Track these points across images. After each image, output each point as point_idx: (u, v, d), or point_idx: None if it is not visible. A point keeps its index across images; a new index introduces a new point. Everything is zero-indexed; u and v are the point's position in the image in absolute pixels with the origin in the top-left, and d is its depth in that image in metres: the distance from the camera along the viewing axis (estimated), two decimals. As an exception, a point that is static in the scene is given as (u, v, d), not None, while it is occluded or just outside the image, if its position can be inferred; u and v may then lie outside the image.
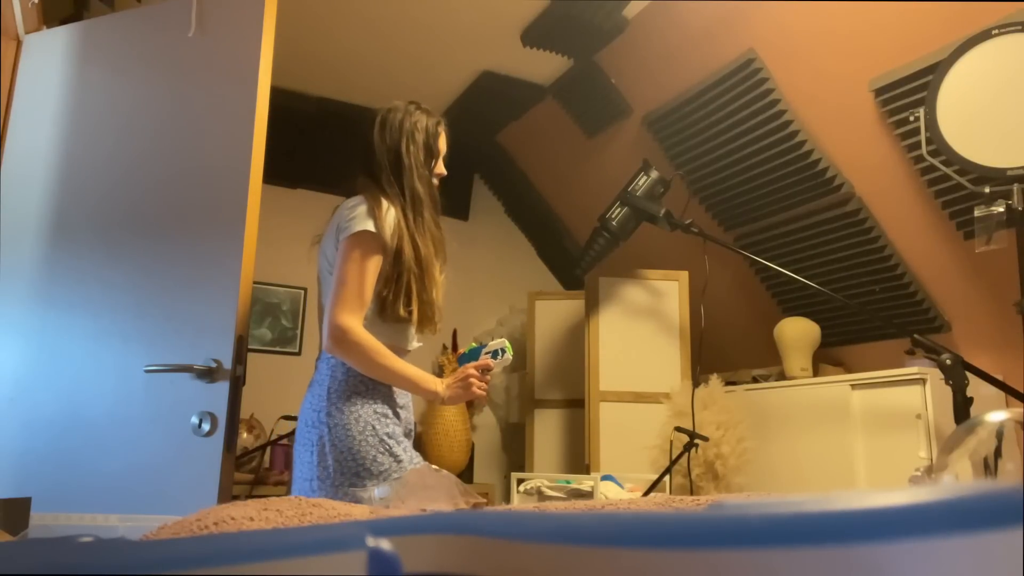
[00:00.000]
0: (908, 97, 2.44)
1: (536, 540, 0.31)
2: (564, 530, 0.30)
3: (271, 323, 3.83)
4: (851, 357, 3.25)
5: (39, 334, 2.01)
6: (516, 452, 4.14)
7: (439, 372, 3.83)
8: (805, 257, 3.08)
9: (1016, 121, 2.10)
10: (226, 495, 1.76)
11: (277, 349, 3.82)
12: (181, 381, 1.82)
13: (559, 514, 0.31)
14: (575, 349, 3.52)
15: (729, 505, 0.28)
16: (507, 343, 1.77)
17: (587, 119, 3.60)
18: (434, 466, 1.53)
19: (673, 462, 2.55)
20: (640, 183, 2.93)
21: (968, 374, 2.01)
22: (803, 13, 2.59)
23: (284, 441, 3.36)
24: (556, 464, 3.54)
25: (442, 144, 1.85)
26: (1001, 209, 2.10)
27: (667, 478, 2.57)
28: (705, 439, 2.57)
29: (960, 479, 0.97)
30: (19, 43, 2.24)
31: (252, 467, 3.30)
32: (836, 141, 2.77)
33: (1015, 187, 2.07)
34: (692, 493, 2.75)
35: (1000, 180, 2.13)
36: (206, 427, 1.78)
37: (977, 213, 2.17)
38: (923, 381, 2.52)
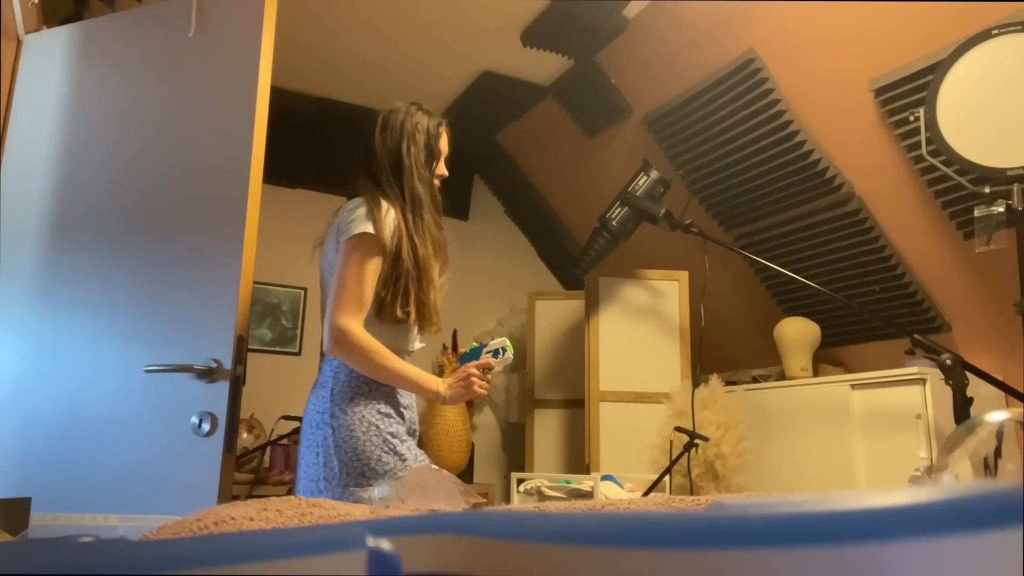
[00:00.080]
0: (908, 97, 2.44)
1: (536, 540, 0.31)
2: (564, 530, 0.30)
3: (271, 323, 3.83)
4: (851, 357, 3.25)
5: (39, 334, 2.01)
6: (516, 452, 4.14)
7: (439, 372, 3.83)
8: (805, 257, 3.08)
9: (1016, 121, 2.10)
10: (226, 495, 1.76)
11: (277, 349, 3.82)
12: (181, 381, 1.82)
13: (559, 514, 0.31)
14: (575, 349, 3.52)
15: (729, 505, 0.28)
16: (508, 342, 1.77)
17: (587, 119, 3.60)
18: (434, 466, 1.53)
19: (673, 462, 2.55)
20: (640, 183, 2.93)
21: (968, 374, 2.01)
22: (803, 13, 2.59)
23: (284, 441, 3.36)
24: (556, 464, 3.54)
25: (443, 145, 1.85)
26: (1001, 209, 2.10)
27: (667, 478, 2.57)
28: (705, 439, 2.57)
29: (960, 479, 0.97)
30: (19, 43, 2.24)
31: (252, 467, 3.30)
32: (836, 141, 2.77)
33: (1015, 187, 2.07)
34: (692, 493, 2.75)
35: (1000, 180, 2.13)
36: (206, 427, 1.78)
37: (977, 213, 2.17)
38: (923, 381, 2.52)
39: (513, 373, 4.08)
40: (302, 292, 3.88)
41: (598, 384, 3.21)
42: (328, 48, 3.37)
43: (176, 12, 2.07)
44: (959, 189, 2.41)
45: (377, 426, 1.63)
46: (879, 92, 2.51)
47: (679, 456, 2.54)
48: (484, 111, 3.84)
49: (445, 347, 4.01)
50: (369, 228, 1.65)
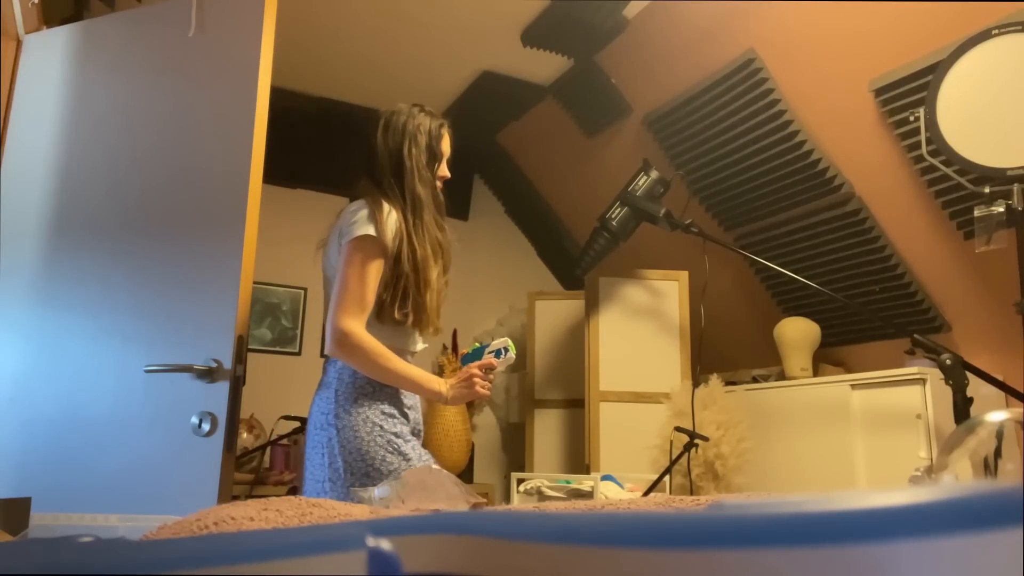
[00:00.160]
0: (908, 97, 2.44)
1: (536, 540, 0.31)
2: (564, 530, 0.30)
3: (271, 323, 3.83)
4: (851, 357, 3.25)
5: (39, 334, 2.01)
6: (516, 452, 4.14)
7: (439, 372, 3.83)
8: (805, 257, 3.08)
9: (1016, 121, 2.10)
10: (226, 495, 1.76)
11: (277, 349, 3.82)
12: (181, 381, 1.82)
13: (559, 514, 0.31)
14: (575, 349, 3.52)
15: (729, 505, 0.28)
16: (510, 342, 1.77)
17: (587, 119, 3.60)
18: (434, 466, 1.53)
19: (673, 462, 2.55)
20: (640, 183, 2.93)
21: (968, 374, 2.01)
22: (803, 13, 2.59)
23: (284, 441, 3.36)
24: (556, 464, 3.54)
25: (445, 147, 1.84)
26: (1001, 209, 2.10)
27: (667, 478, 2.57)
28: (705, 439, 2.57)
29: (960, 479, 0.97)
30: (19, 43, 2.24)
31: (252, 467, 3.29)
32: (836, 141, 2.77)
33: (1015, 187, 2.07)
34: (692, 493, 2.75)
35: (1000, 180, 2.13)
36: (206, 427, 1.78)
37: (977, 213, 2.17)
38: (923, 381, 2.52)
39: (513, 373, 4.08)
40: (302, 292, 3.88)
41: (598, 384, 3.21)
42: (328, 48, 3.37)
43: (176, 12, 2.07)
44: (959, 189, 2.41)
45: (381, 427, 1.64)
46: (879, 92, 2.51)
47: (679, 456, 2.54)
48: (484, 111, 3.84)
49: (445, 347, 4.01)
50: (371, 230, 1.65)
